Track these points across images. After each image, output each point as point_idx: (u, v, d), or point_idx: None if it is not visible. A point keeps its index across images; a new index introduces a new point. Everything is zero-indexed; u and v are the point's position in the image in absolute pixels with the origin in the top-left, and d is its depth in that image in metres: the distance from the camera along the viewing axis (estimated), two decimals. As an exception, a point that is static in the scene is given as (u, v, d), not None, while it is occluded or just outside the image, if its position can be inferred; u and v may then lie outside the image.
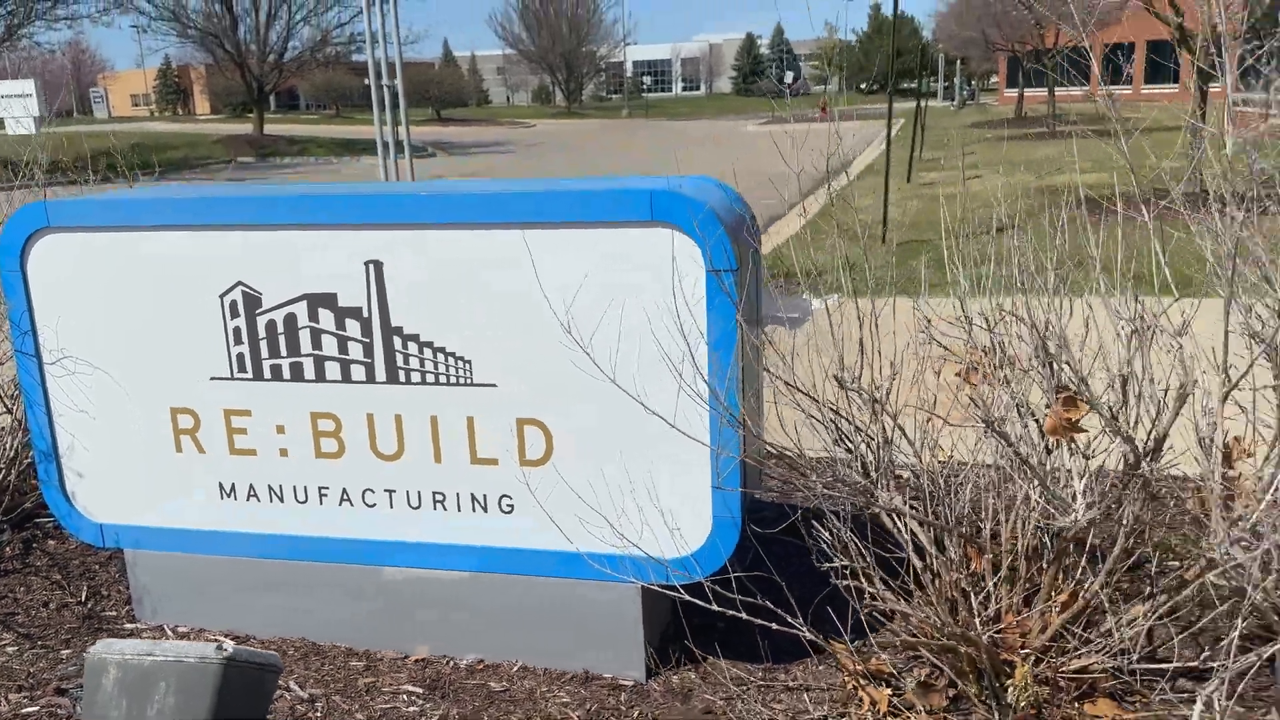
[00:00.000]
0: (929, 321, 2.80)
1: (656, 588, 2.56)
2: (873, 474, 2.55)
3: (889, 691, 2.40)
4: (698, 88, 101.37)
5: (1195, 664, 2.40)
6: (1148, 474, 2.12)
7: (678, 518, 2.53)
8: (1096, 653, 2.36)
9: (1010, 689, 2.35)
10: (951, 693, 2.43)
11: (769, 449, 2.80)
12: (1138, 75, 43.22)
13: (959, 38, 33.73)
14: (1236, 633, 1.91)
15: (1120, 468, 2.26)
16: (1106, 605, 2.31)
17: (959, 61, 41.79)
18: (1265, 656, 1.89)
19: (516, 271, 2.45)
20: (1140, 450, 2.11)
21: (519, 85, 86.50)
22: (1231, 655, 1.86)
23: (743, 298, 2.40)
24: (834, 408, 2.67)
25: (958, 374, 2.72)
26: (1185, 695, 2.37)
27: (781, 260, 8.60)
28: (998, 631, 2.43)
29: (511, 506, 2.65)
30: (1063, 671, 2.39)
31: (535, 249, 2.44)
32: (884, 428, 2.62)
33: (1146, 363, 2.19)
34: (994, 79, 50.22)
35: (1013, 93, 37.93)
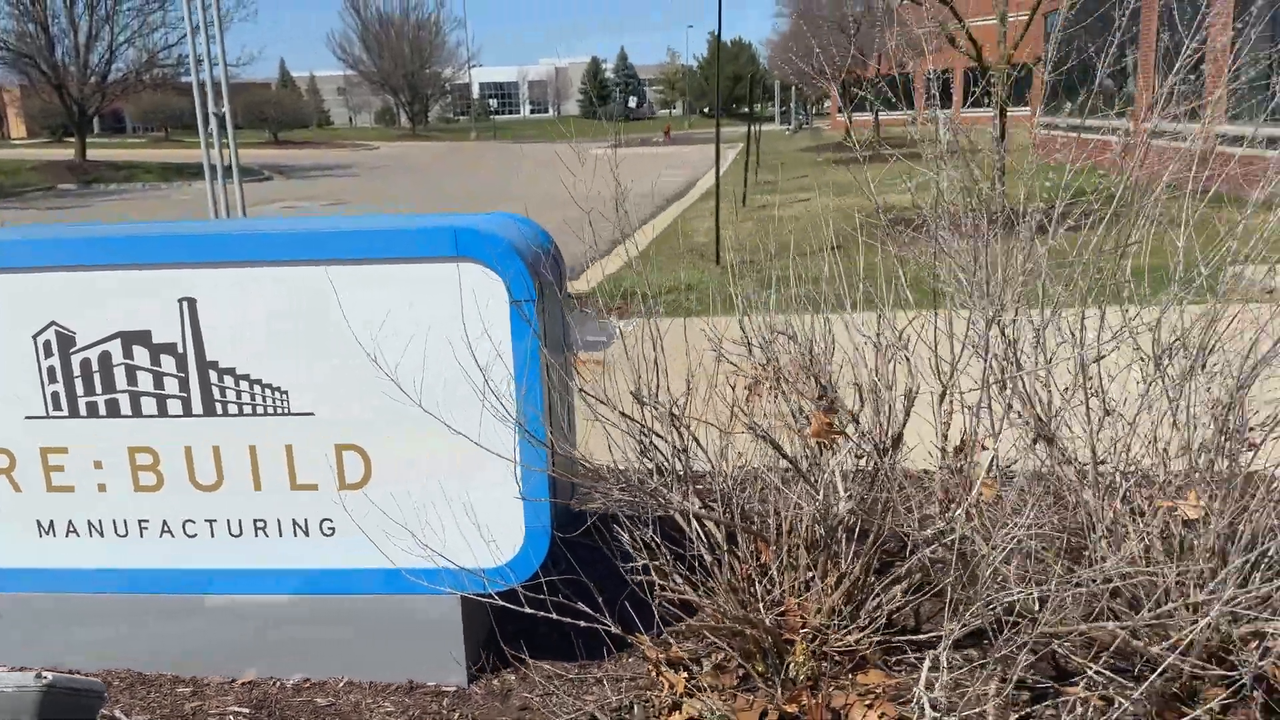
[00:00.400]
0: (719, 340, 3.11)
1: (475, 597, 2.74)
2: (668, 479, 2.82)
3: (685, 675, 2.66)
4: (546, 110, 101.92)
5: (943, 633, 2.76)
6: (889, 468, 2.46)
7: (493, 530, 2.73)
8: (864, 627, 2.69)
9: (791, 665, 2.65)
10: (741, 673, 2.71)
11: (582, 463, 3.03)
12: (957, 100, 46.15)
13: (790, 65, 35.28)
14: (949, 603, 2.25)
15: (871, 464, 2.61)
16: (863, 584, 2.64)
17: (794, 88, 43.68)
18: (961, 623, 2.23)
19: (328, 305, 2.60)
20: (881, 448, 2.44)
21: (361, 106, 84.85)
22: (947, 621, 2.20)
23: (544, 325, 2.63)
24: (640, 422, 2.93)
25: (746, 388, 3.04)
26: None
27: (617, 284, 8.92)
28: (780, 615, 2.73)
29: (333, 529, 2.78)
30: (836, 647, 2.71)
31: (346, 284, 2.60)
32: (680, 437, 2.89)
33: (887, 372, 2.54)
34: (827, 104, 52.64)
35: (844, 117, 39.88)
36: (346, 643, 2.85)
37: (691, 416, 2.92)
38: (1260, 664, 2.18)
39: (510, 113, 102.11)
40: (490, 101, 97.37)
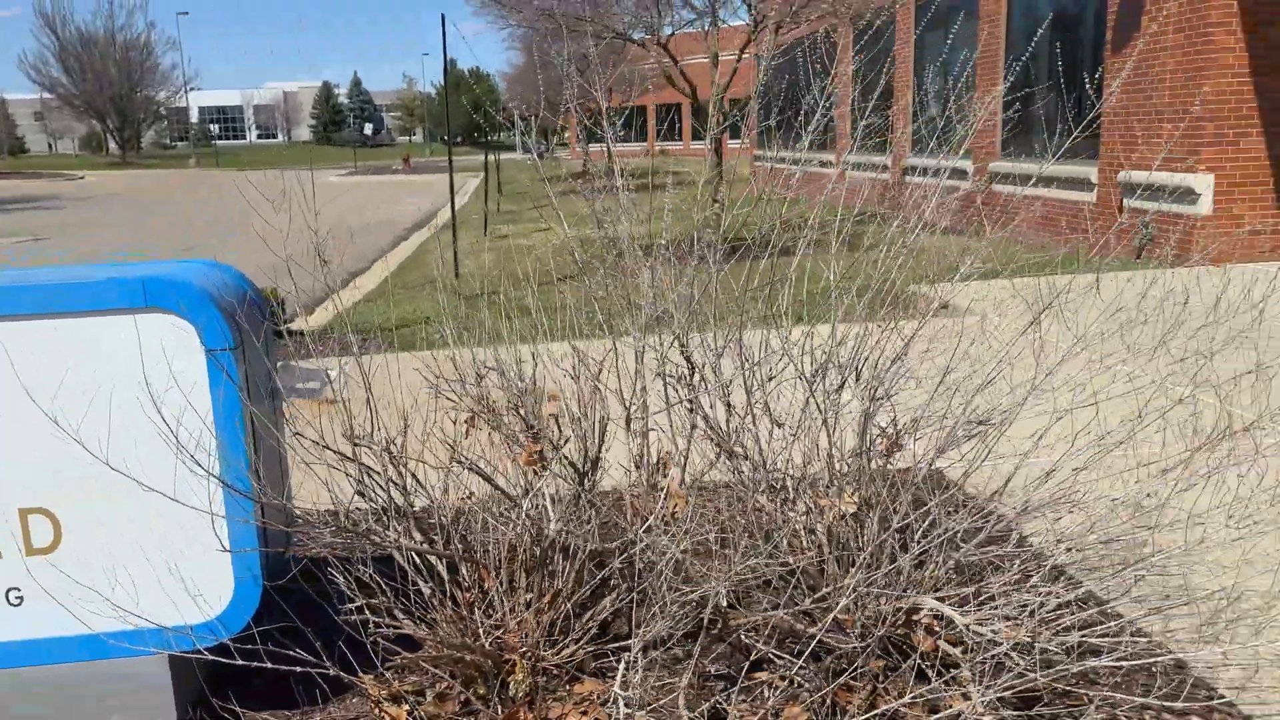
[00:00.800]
0: (437, 377, 3.21)
1: (184, 655, 2.67)
2: (387, 517, 2.88)
3: (406, 709, 2.73)
4: (275, 135, 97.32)
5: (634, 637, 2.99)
6: (589, 489, 2.66)
7: (199, 585, 2.67)
8: (578, 640, 2.87)
9: (512, 685, 2.78)
10: (463, 699, 2.81)
11: (294, 510, 3.03)
12: (685, 133, 48.65)
13: (527, 98, 35.90)
14: (633, 609, 2.47)
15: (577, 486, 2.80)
16: (577, 600, 2.82)
17: (532, 117, 44.31)
18: (648, 626, 2.46)
19: (4, 364, 2.46)
20: (582, 471, 2.64)
21: (63, 132, 77.40)
22: (632, 625, 2.42)
23: (245, 373, 2.63)
24: (357, 461, 2.97)
25: (464, 422, 3.16)
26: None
27: (350, 319, 8.76)
28: (501, 636, 2.86)
29: (21, 598, 2.62)
30: (554, 661, 2.87)
31: (27, 340, 2.47)
32: (399, 474, 2.96)
33: (587, 401, 2.75)
34: (567, 134, 53.76)
35: (594, 148, 40.90)
36: (49, 715, 2.69)
37: (410, 456, 3.00)
38: (897, 634, 2.56)
39: (235, 138, 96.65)
40: (211, 126, 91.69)
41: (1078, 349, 2.66)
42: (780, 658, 2.69)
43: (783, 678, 2.69)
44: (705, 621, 2.76)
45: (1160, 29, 10.11)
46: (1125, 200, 10.65)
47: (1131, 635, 2.45)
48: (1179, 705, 2.59)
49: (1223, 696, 2.64)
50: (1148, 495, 2.46)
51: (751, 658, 2.54)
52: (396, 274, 13.54)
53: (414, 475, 3.00)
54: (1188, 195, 9.78)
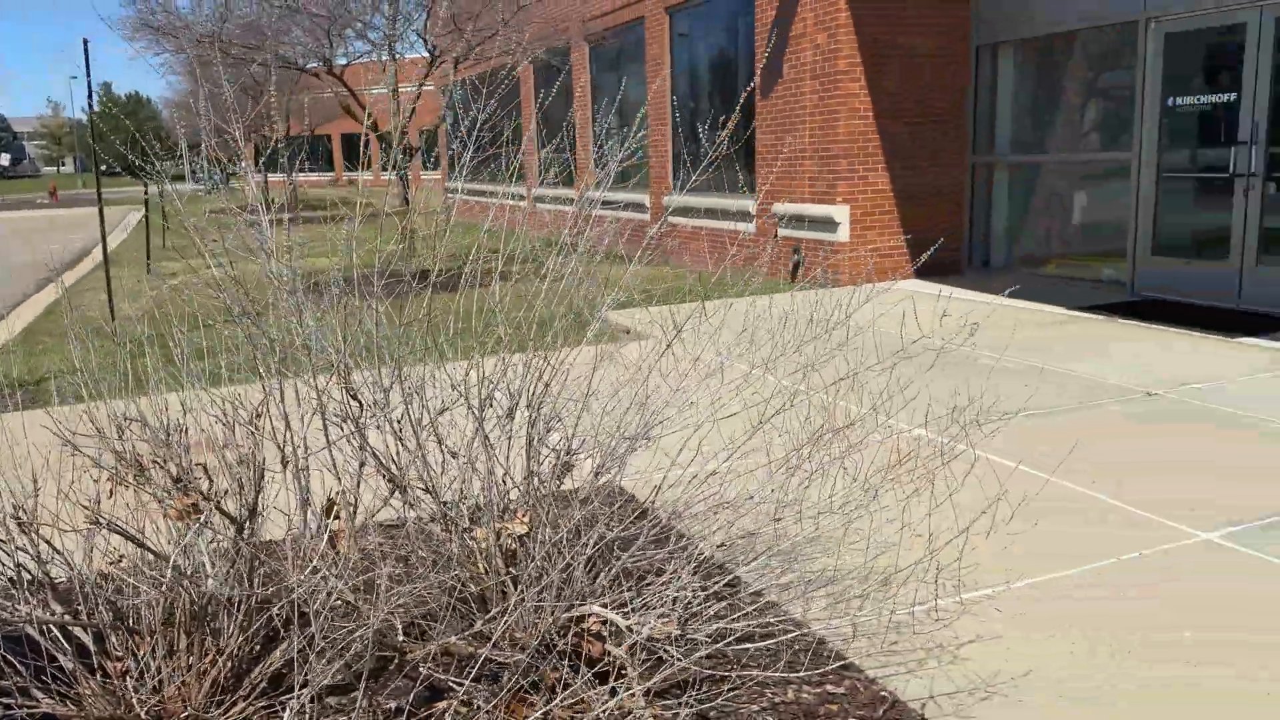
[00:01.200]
0: (73, 433, 2.96)
1: None
2: (15, 590, 2.62)
3: (50, 796, 2.49)
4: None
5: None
6: (247, 538, 2.57)
7: None
8: (248, 695, 2.75)
9: (173, 752, 2.62)
10: (119, 775, 2.61)
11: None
12: (374, 162, 47.54)
13: (194, 125, 33.57)
14: (297, 654, 2.44)
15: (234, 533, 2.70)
16: (248, 654, 2.71)
17: (203, 145, 41.39)
18: (313, 673, 2.44)
19: None
20: (238, 520, 2.55)
21: None
22: (297, 671, 2.38)
23: None
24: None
25: (107, 480, 2.93)
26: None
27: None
28: (159, 703, 2.68)
29: None
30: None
31: None
32: (31, 542, 2.70)
33: (242, 448, 2.66)
34: (244, 164, 50.70)
35: (275, 178, 38.87)
36: None
37: (44, 522, 2.74)
38: (571, 644, 2.69)
39: None
40: None
41: (718, 362, 2.95)
42: (459, 683, 2.74)
43: (463, 702, 2.74)
44: (378, 659, 2.75)
45: (799, 75, 11.31)
46: (779, 229, 11.77)
47: (756, 609, 2.74)
48: (815, 675, 2.93)
49: (848, 661, 3.02)
50: (772, 490, 2.77)
51: (418, 686, 2.57)
52: (42, 320, 12.11)
53: (48, 542, 2.75)
54: (829, 224, 10.99)
